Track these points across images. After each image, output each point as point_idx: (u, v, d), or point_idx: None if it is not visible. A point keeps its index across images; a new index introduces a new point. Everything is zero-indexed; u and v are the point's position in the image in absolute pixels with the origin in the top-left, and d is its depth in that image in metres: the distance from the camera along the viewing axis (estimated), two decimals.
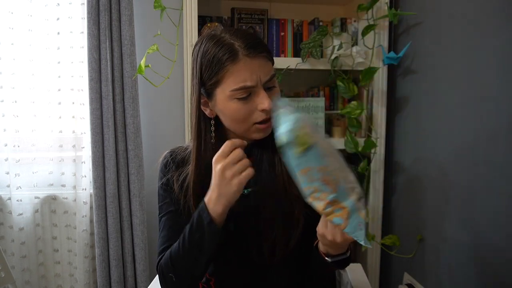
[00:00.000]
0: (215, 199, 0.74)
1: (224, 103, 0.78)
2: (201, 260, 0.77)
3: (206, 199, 0.76)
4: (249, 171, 0.72)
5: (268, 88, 0.79)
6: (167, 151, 0.94)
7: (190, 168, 0.85)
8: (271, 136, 0.84)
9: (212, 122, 0.84)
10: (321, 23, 1.71)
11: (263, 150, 0.87)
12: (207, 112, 0.83)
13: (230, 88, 0.76)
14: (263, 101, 0.76)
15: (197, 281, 0.84)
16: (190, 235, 0.77)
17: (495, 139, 1.14)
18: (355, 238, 0.67)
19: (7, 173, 1.70)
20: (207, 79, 0.78)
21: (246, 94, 0.76)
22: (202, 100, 0.82)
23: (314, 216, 0.81)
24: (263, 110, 0.77)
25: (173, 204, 0.88)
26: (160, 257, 0.85)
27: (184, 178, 0.87)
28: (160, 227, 0.90)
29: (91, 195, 1.74)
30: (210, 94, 0.80)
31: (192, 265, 0.78)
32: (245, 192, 0.86)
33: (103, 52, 1.62)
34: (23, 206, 1.74)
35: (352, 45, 1.62)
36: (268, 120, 0.78)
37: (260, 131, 0.81)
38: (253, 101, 0.77)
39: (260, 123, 0.79)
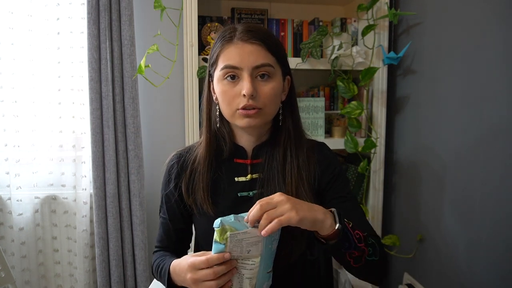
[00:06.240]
0: (177, 279, 0.79)
1: (217, 83, 0.82)
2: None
3: (172, 268, 0.81)
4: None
5: (260, 75, 0.79)
6: (174, 153, 0.95)
7: (200, 150, 0.89)
8: (281, 146, 0.86)
9: (217, 107, 0.86)
10: (321, 23, 1.71)
11: (272, 155, 0.87)
12: (214, 97, 0.87)
13: (220, 67, 0.80)
14: (244, 85, 0.78)
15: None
16: (159, 275, 0.87)
17: (495, 139, 1.14)
18: None
19: (7, 173, 1.70)
20: (211, 60, 0.83)
21: (233, 75, 0.79)
22: (211, 85, 0.87)
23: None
24: (244, 95, 0.78)
25: (167, 213, 0.94)
26: (154, 253, 0.97)
27: (190, 177, 0.89)
28: (159, 224, 0.97)
29: (91, 195, 1.74)
30: (211, 76, 0.84)
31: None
32: (250, 194, 0.86)
33: (103, 52, 1.62)
34: (23, 206, 1.74)
35: (352, 45, 1.62)
36: (249, 108, 0.79)
37: (242, 118, 0.81)
38: (239, 85, 0.79)
39: (242, 109, 0.79)
